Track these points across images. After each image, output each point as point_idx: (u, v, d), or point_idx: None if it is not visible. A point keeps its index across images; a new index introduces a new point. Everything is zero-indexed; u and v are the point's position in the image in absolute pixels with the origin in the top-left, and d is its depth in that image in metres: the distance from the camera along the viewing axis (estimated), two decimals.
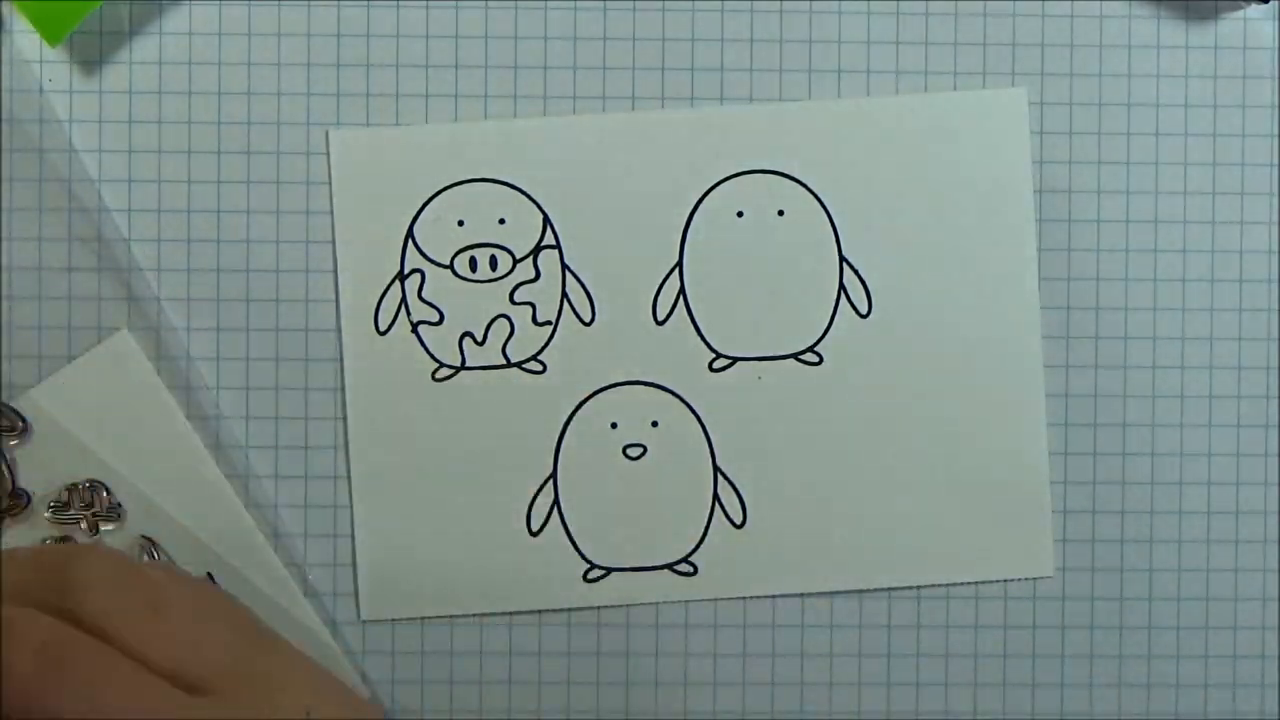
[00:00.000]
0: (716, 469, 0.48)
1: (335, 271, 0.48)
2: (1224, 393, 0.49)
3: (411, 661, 0.48)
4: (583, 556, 0.48)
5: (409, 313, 0.48)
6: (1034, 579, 0.49)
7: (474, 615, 0.48)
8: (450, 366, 0.48)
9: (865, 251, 0.48)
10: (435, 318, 0.48)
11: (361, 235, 0.48)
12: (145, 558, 0.47)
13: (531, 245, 0.48)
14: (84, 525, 0.47)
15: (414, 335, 0.48)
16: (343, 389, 0.48)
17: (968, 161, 0.48)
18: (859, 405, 0.48)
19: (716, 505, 0.48)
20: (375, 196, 0.48)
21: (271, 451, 0.48)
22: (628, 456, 0.48)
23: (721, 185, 0.48)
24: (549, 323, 0.48)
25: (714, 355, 0.48)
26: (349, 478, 0.48)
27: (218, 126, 0.48)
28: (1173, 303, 0.49)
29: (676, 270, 0.48)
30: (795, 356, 0.48)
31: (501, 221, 0.48)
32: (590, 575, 0.48)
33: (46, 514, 0.47)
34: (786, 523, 0.48)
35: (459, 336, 0.48)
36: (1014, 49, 0.48)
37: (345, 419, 0.48)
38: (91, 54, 0.48)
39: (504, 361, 0.48)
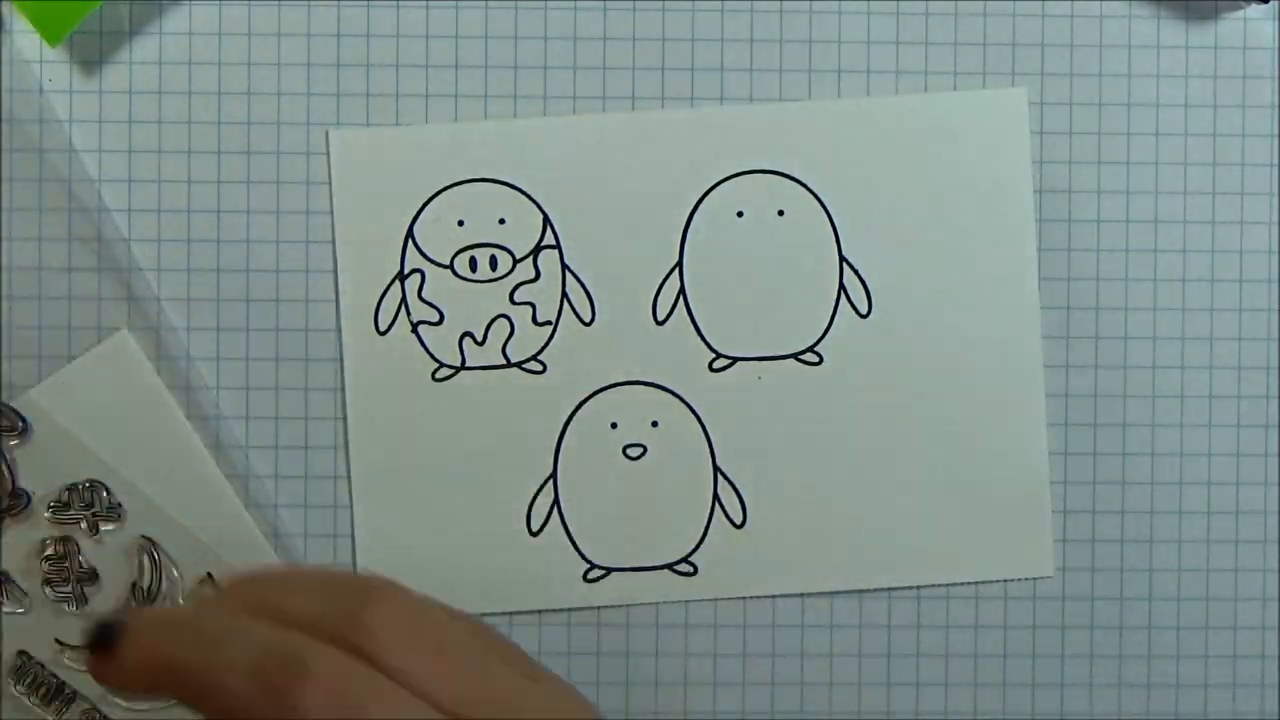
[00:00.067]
0: (716, 469, 0.48)
1: (335, 271, 0.48)
2: (1224, 393, 0.49)
3: None
4: (583, 556, 0.48)
5: (409, 313, 0.48)
6: (1034, 579, 0.49)
7: (474, 615, 0.48)
8: (450, 366, 0.48)
9: (865, 251, 0.48)
10: (435, 318, 0.48)
11: (361, 235, 0.48)
12: (145, 558, 0.47)
13: (531, 245, 0.48)
14: (84, 525, 0.47)
15: (414, 335, 0.48)
16: (343, 389, 0.48)
17: (968, 161, 0.48)
18: (859, 405, 0.48)
19: (716, 505, 0.48)
20: (375, 196, 0.48)
21: (271, 451, 0.48)
22: (628, 456, 0.48)
23: (721, 185, 0.48)
24: (549, 323, 0.48)
25: (714, 355, 0.48)
26: (349, 478, 0.48)
27: (218, 126, 0.48)
28: (1173, 303, 0.49)
29: (676, 270, 0.48)
30: (795, 356, 0.48)
31: (501, 221, 0.48)
32: (590, 575, 0.48)
33: (46, 514, 0.47)
34: (786, 523, 0.48)
35: (459, 336, 0.48)
36: (1014, 49, 0.48)
37: (345, 419, 0.48)
38: (91, 54, 0.48)
39: (504, 361, 0.48)
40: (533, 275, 0.48)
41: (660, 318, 0.48)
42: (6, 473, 0.46)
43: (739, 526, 0.48)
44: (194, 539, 0.47)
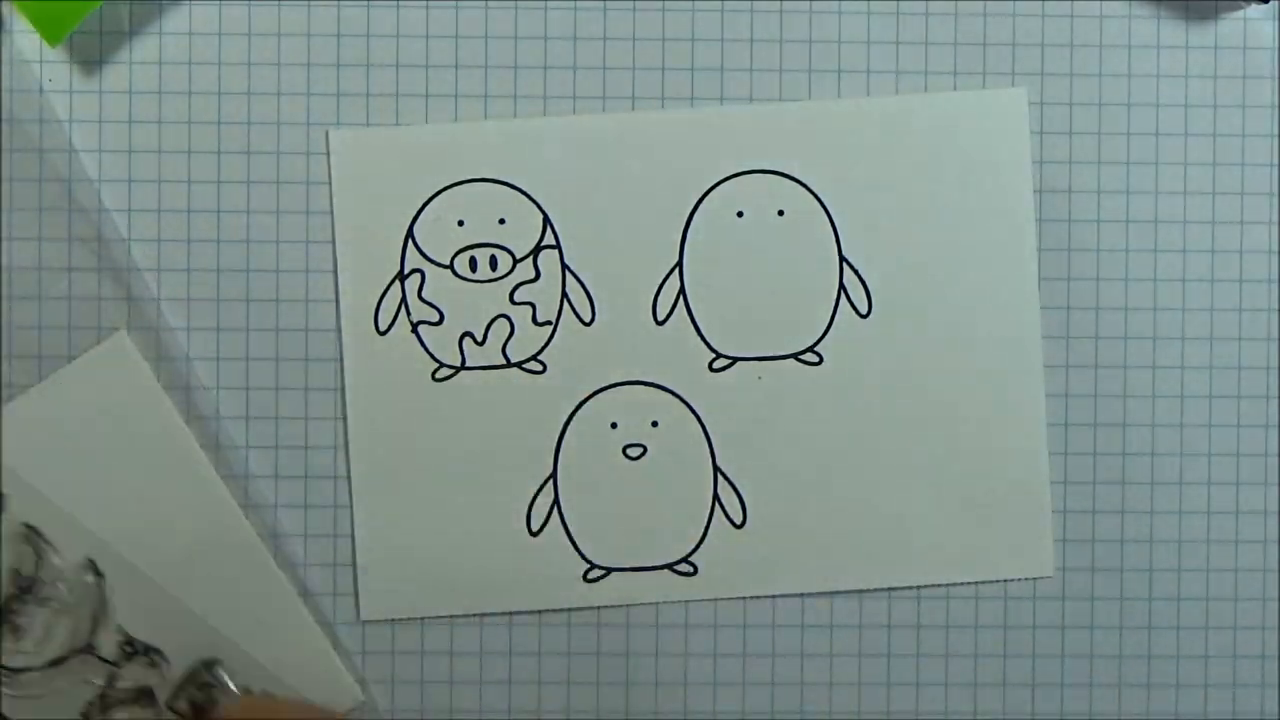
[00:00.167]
0: (716, 469, 0.48)
1: (335, 271, 0.48)
2: (1224, 393, 0.49)
3: (411, 661, 0.48)
4: (583, 556, 0.48)
5: (409, 313, 0.48)
6: (1034, 579, 0.49)
7: (474, 615, 0.48)
8: (450, 366, 0.48)
9: (865, 251, 0.48)
10: (435, 318, 0.48)
11: (361, 235, 0.48)
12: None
13: (531, 245, 0.48)
14: None
15: (414, 335, 0.48)
16: (343, 389, 0.48)
17: (968, 161, 0.48)
18: (859, 405, 0.48)
19: (716, 505, 0.48)
20: (375, 196, 0.48)
21: (271, 451, 0.48)
22: (628, 456, 0.48)
23: (721, 185, 0.48)
24: (549, 323, 0.48)
25: (714, 355, 0.48)
26: (349, 478, 0.48)
27: (218, 126, 0.48)
28: (1173, 303, 0.49)
29: (676, 270, 0.48)
30: (795, 356, 0.48)
31: (501, 221, 0.48)
32: (590, 575, 0.48)
33: None
34: (786, 523, 0.48)
35: (459, 336, 0.48)
36: (1014, 49, 0.48)
37: (345, 419, 0.48)
38: (91, 54, 0.48)
39: (504, 361, 0.48)
40: (533, 275, 0.48)
41: (660, 318, 0.48)
42: None
43: (739, 526, 0.48)
44: (190, 541, 0.47)
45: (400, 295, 0.48)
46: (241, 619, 0.47)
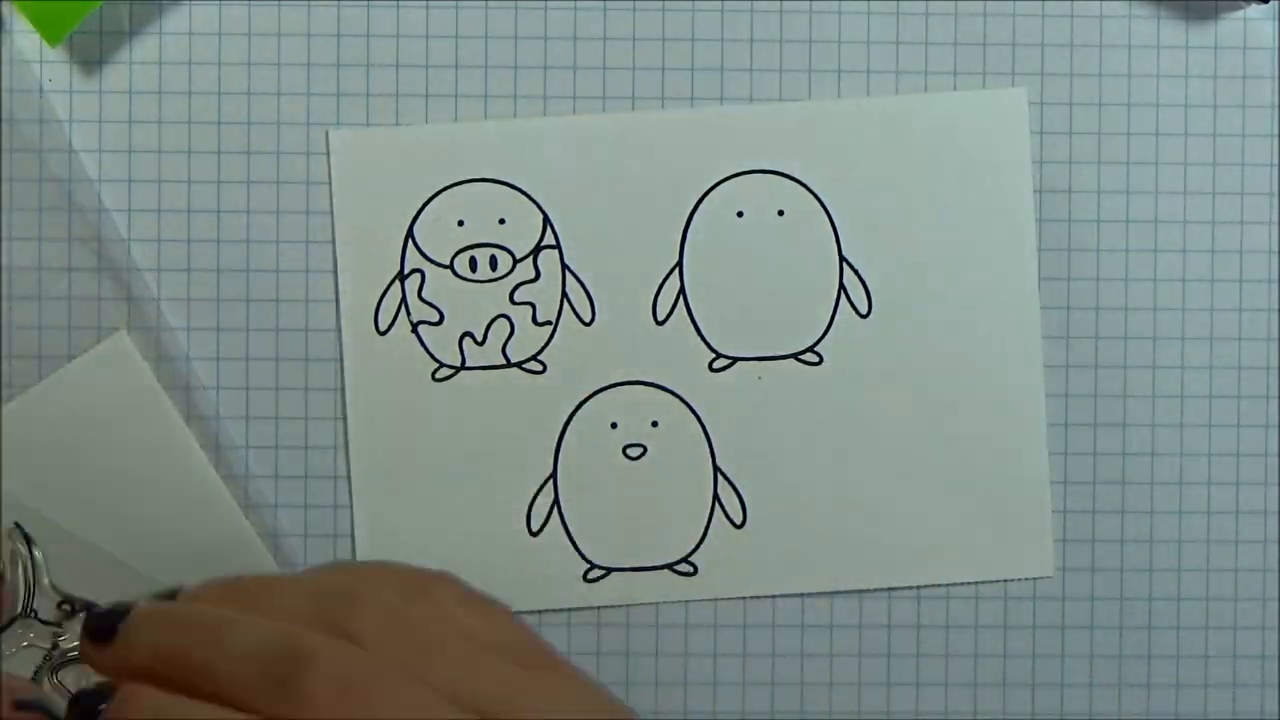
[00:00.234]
0: (716, 469, 0.48)
1: (335, 271, 0.48)
2: (1224, 393, 0.49)
3: None
4: (583, 556, 0.48)
5: (409, 313, 0.48)
6: (1034, 579, 0.49)
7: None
8: (450, 366, 0.48)
9: (865, 251, 0.48)
10: (435, 318, 0.48)
11: (361, 235, 0.48)
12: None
13: (531, 245, 0.48)
14: None
15: (414, 335, 0.48)
16: (343, 389, 0.48)
17: (968, 161, 0.48)
18: (859, 405, 0.48)
19: (716, 505, 0.48)
20: (375, 196, 0.48)
21: (271, 451, 0.48)
22: (628, 456, 0.48)
23: (721, 185, 0.48)
24: (549, 323, 0.48)
25: (714, 355, 0.48)
26: (349, 478, 0.48)
27: (218, 126, 0.48)
28: (1173, 303, 0.49)
29: (676, 270, 0.48)
30: (795, 356, 0.48)
31: (501, 221, 0.48)
32: (590, 575, 0.48)
33: None
34: (786, 523, 0.48)
35: (459, 336, 0.48)
36: (1014, 49, 0.48)
37: (345, 419, 0.48)
38: (91, 54, 0.48)
39: (504, 361, 0.48)
40: (533, 275, 0.48)
41: (660, 318, 0.48)
42: None
43: (739, 526, 0.48)
44: (189, 540, 0.47)
45: (400, 295, 0.48)
46: None
